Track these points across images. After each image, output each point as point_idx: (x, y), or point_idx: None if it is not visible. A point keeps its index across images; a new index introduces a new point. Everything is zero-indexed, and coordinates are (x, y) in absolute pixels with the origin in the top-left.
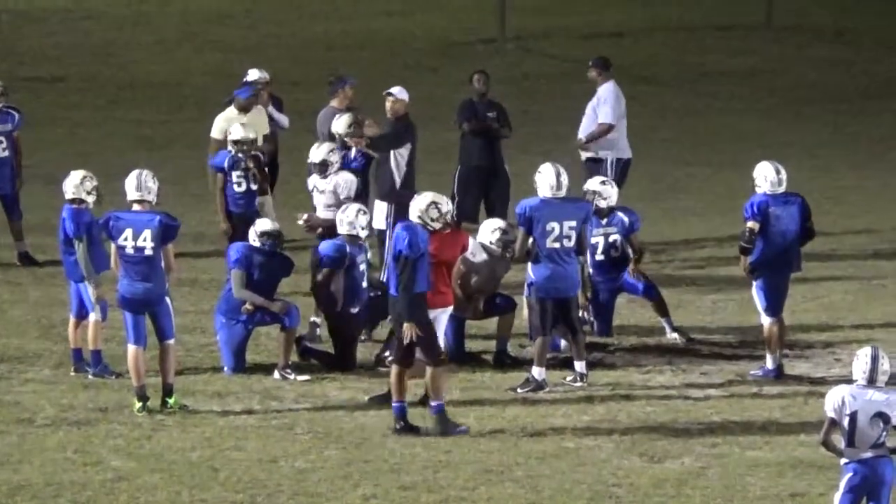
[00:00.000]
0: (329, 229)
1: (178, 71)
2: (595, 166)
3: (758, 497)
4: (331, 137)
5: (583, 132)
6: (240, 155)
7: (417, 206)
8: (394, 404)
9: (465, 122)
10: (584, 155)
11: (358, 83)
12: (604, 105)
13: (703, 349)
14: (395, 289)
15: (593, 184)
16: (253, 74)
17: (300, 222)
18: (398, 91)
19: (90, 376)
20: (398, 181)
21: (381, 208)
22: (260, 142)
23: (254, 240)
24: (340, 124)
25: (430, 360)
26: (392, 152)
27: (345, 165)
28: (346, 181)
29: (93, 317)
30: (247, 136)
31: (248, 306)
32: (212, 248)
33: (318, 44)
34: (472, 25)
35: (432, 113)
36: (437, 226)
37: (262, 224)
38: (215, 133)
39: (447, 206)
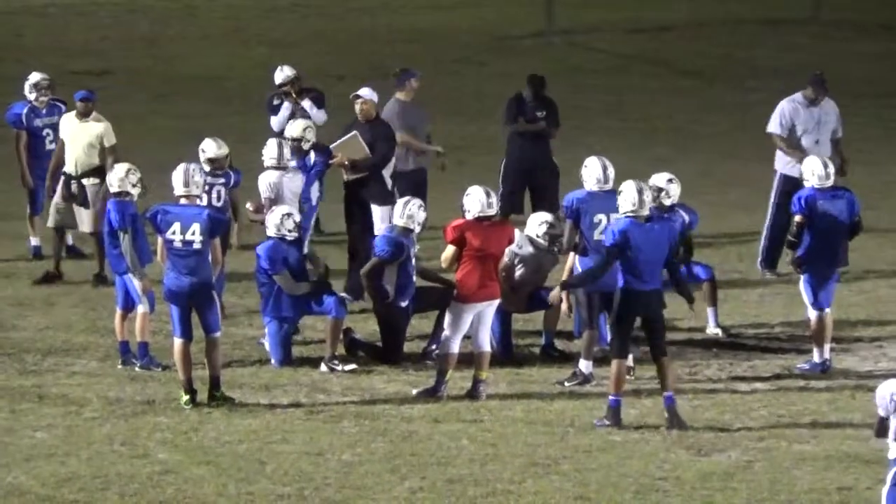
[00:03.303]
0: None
1: (224, 65)
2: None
3: (804, 491)
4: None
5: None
6: (207, 169)
7: (629, 198)
8: (610, 398)
9: (510, 122)
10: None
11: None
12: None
13: (750, 343)
14: (661, 282)
15: (660, 180)
16: (278, 77)
17: (248, 206)
18: (367, 93)
19: (137, 369)
20: (390, 184)
21: (377, 213)
22: (92, 151)
23: (278, 229)
24: (295, 128)
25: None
26: None
27: (304, 170)
28: (268, 182)
29: (141, 308)
30: (218, 153)
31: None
32: (257, 240)
33: (365, 38)
34: (519, 19)
35: (479, 106)
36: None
37: (284, 211)
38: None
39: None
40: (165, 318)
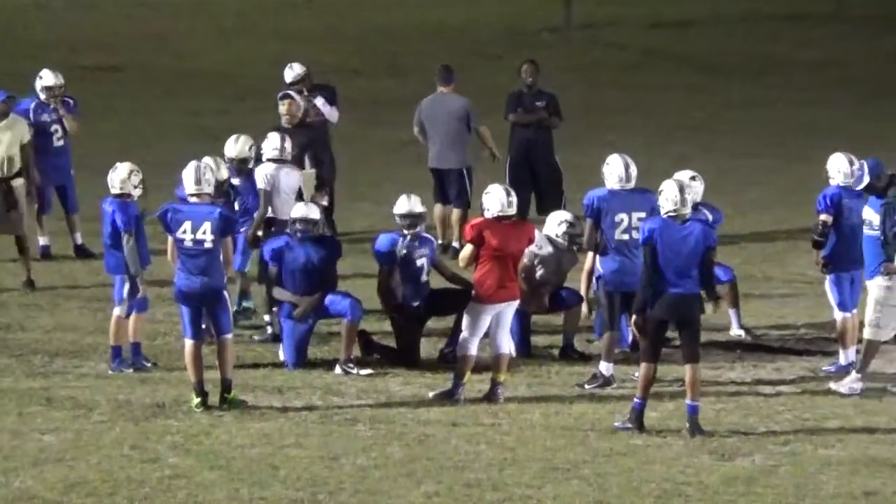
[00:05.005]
0: (269, 223)
1: (237, 61)
2: None
3: (830, 496)
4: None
5: None
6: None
7: (671, 197)
8: (635, 400)
9: (510, 113)
10: None
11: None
12: None
13: (775, 345)
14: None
15: (683, 178)
16: (288, 75)
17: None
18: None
19: (110, 371)
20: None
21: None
22: (14, 151)
23: (289, 229)
24: (239, 148)
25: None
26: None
27: (242, 192)
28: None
29: (116, 311)
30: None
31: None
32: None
33: (381, 33)
34: (538, 14)
35: (497, 101)
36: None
37: (296, 210)
38: None
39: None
40: (176, 319)
